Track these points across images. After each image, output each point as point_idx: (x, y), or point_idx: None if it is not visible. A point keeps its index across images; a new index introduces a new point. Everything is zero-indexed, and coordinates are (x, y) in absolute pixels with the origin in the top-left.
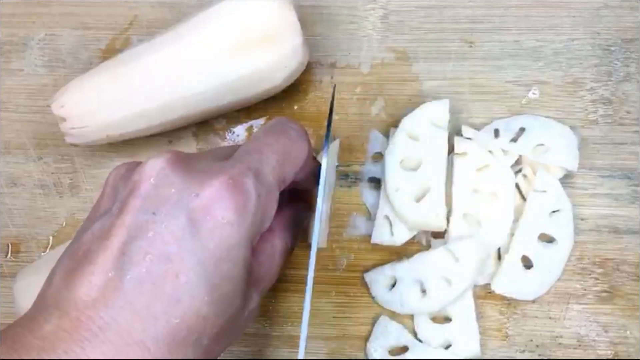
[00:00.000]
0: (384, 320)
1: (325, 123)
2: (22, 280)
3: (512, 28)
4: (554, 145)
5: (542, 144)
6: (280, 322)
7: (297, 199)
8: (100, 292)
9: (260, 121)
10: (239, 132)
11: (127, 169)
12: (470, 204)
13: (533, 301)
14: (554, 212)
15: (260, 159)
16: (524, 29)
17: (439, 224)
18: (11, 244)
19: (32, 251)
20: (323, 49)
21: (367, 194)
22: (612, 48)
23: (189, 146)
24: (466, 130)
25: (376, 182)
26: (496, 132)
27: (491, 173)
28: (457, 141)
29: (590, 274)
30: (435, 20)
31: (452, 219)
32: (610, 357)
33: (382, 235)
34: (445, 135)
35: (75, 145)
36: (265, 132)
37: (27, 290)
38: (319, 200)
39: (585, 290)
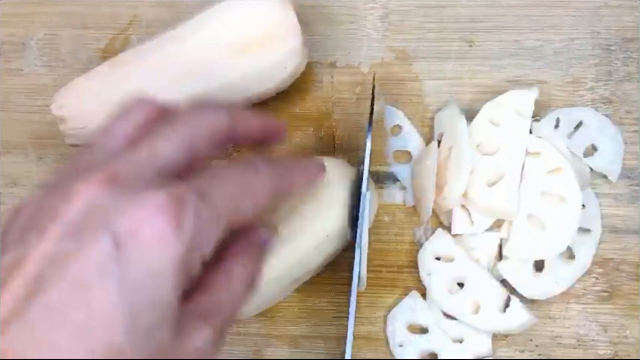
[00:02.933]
0: (414, 295)
1: (367, 126)
2: None
3: (512, 27)
4: (603, 150)
5: (593, 145)
6: (280, 322)
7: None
8: (3, 319)
9: None
10: None
11: (46, 191)
12: (537, 205)
13: (533, 301)
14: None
15: (212, 183)
16: (524, 29)
17: (509, 211)
18: None
19: None
20: (323, 49)
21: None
22: (612, 47)
23: None
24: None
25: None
26: (557, 122)
27: (563, 176)
28: (532, 140)
29: (590, 274)
30: (435, 19)
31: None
32: (609, 356)
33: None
34: (528, 125)
35: (75, 146)
36: (231, 163)
37: None
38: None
39: (585, 290)
